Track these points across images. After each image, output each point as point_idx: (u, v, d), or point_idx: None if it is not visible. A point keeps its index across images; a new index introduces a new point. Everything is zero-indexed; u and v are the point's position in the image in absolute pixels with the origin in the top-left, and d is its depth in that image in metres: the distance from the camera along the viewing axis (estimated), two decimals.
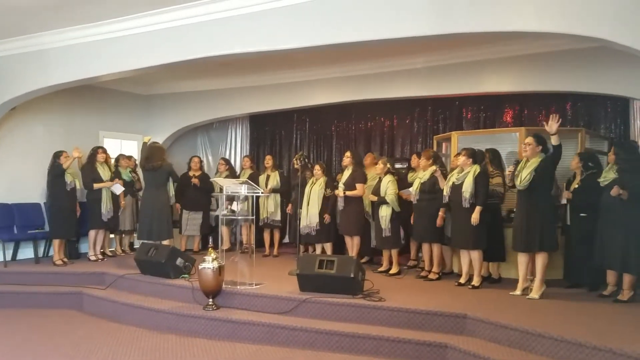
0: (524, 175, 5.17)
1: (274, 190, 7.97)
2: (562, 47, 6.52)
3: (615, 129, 7.57)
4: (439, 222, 5.99)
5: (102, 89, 8.80)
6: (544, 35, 4.95)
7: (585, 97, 7.51)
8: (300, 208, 7.16)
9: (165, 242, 6.70)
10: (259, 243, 8.16)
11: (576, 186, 5.62)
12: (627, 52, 4.39)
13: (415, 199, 6.27)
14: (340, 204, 6.89)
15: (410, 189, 6.46)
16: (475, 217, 5.56)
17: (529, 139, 5.28)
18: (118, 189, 7.52)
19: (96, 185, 7.32)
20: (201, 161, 8.83)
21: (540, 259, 5.20)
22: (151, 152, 7.00)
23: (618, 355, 3.59)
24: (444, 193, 5.90)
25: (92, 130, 8.72)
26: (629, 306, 4.86)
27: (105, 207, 7.36)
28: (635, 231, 4.88)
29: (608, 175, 5.21)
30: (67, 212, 7.12)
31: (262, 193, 6.22)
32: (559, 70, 6.75)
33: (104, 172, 7.47)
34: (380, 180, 6.55)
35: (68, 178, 7.10)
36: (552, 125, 5.07)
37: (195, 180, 8.20)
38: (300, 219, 7.13)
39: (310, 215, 7.07)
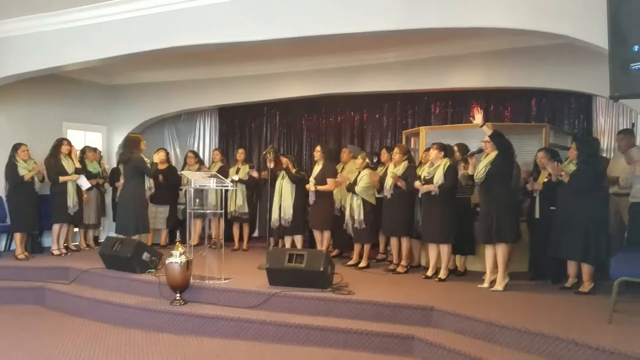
0: (479, 169, 5.34)
1: (241, 181, 7.90)
2: (527, 44, 6.63)
3: (578, 124, 7.78)
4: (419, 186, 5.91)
5: (66, 79, 8.56)
6: (511, 31, 5.02)
7: (549, 93, 7.68)
8: (270, 202, 7.11)
9: (135, 237, 6.58)
10: (228, 237, 8.10)
11: (545, 179, 5.68)
12: (590, 49, 4.49)
13: (390, 194, 6.28)
14: (312, 198, 6.89)
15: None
16: (425, 187, 5.69)
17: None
18: (85, 183, 7.34)
19: (62, 179, 7.12)
20: (167, 154, 8.68)
21: (500, 251, 5.31)
22: (125, 144, 6.86)
23: (580, 346, 3.69)
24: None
25: (55, 122, 8.48)
26: (589, 298, 4.99)
27: (72, 201, 7.17)
28: (592, 222, 5.02)
29: (568, 168, 5.35)
30: (26, 205, 6.94)
31: (231, 186, 6.16)
32: (525, 66, 6.88)
33: (68, 165, 7.26)
34: (359, 174, 6.58)
35: (22, 172, 6.88)
36: (477, 117, 5.22)
37: (160, 177, 7.92)
38: (270, 213, 7.08)
39: (284, 208, 7.04)
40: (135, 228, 6.63)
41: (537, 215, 5.76)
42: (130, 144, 6.80)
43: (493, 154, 5.30)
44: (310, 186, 6.83)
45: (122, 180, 7.22)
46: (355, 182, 6.49)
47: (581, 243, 5.05)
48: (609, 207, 5.65)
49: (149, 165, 6.73)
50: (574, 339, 3.74)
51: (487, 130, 5.24)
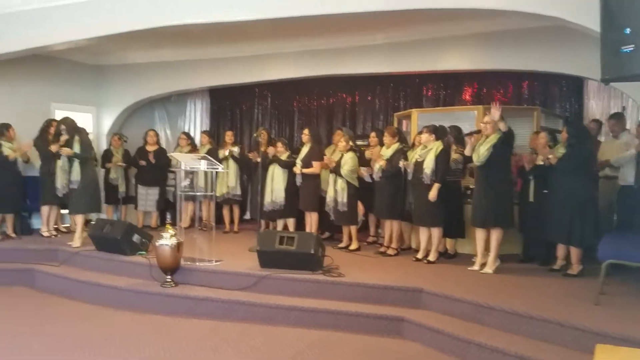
0: (482, 152, 5.28)
1: (234, 158, 7.88)
2: (520, 26, 6.58)
3: (570, 108, 7.79)
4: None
5: (54, 59, 8.41)
6: (502, 13, 4.98)
7: (541, 76, 7.66)
8: (262, 185, 7.08)
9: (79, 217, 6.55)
10: (219, 220, 8.07)
11: (541, 162, 5.66)
12: (582, 32, 4.47)
13: (378, 177, 6.27)
14: (299, 180, 6.89)
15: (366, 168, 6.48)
16: (433, 194, 5.62)
17: (488, 118, 5.33)
18: None
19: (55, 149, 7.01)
20: (157, 135, 8.61)
21: (495, 235, 5.34)
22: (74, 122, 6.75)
23: (566, 328, 3.73)
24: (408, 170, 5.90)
25: (43, 102, 8.35)
26: (577, 280, 5.04)
27: (61, 182, 7.12)
28: (578, 204, 5.04)
29: (558, 151, 5.36)
30: (11, 185, 6.91)
31: (221, 168, 6.12)
32: (517, 49, 6.83)
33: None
34: (342, 156, 6.55)
35: (6, 151, 6.83)
36: (494, 113, 5.18)
37: (143, 162, 7.81)
38: (262, 195, 7.05)
39: (275, 191, 7.03)
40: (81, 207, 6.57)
41: (531, 199, 5.75)
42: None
43: (494, 137, 5.26)
44: (297, 168, 6.83)
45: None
46: (339, 165, 6.47)
47: (566, 225, 5.08)
48: (597, 190, 5.67)
49: None
50: (559, 321, 3.78)
51: (503, 127, 5.18)
